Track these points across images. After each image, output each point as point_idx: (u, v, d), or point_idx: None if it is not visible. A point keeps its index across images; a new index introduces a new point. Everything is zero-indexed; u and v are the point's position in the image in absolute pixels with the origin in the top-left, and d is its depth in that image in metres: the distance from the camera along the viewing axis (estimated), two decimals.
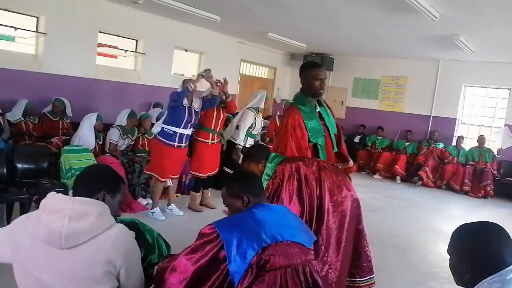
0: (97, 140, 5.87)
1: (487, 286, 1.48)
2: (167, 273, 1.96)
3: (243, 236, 1.90)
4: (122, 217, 2.91)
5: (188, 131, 5.34)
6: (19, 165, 4.87)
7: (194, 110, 5.33)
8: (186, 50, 9.31)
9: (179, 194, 6.23)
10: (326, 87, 3.37)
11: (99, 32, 7.46)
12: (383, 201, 7.70)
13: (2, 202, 4.43)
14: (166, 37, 8.54)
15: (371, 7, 5.91)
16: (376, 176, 10.05)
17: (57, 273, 1.73)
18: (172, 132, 5.20)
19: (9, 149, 5.04)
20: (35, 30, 6.68)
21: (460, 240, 1.61)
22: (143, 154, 6.38)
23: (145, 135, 6.51)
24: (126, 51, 8.09)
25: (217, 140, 5.83)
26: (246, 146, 6.17)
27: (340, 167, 3.16)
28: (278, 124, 6.42)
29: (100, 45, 7.61)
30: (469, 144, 10.02)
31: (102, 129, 6.06)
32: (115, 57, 8.26)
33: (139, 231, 2.39)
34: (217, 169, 5.92)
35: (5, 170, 4.61)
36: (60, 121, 6.49)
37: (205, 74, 5.38)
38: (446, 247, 1.68)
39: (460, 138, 9.84)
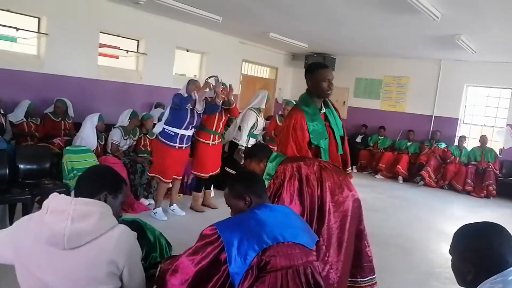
0: (99, 141, 5.88)
1: (489, 287, 1.48)
2: (168, 274, 1.96)
3: (244, 237, 1.90)
4: (124, 216, 2.92)
5: (190, 132, 5.35)
6: (21, 166, 4.87)
7: (197, 112, 5.34)
8: (187, 50, 9.32)
9: (181, 195, 6.23)
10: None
11: (101, 32, 7.47)
12: (385, 201, 7.69)
13: (5, 203, 4.44)
14: (167, 38, 8.54)
15: (372, 7, 5.91)
16: (378, 176, 10.04)
17: (60, 274, 1.73)
18: (173, 133, 5.21)
19: (11, 149, 5.04)
20: (36, 30, 6.70)
21: (462, 240, 1.61)
22: (145, 155, 6.39)
23: (147, 135, 6.52)
24: (127, 51, 8.10)
25: (218, 141, 5.84)
26: (248, 146, 6.17)
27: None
28: (279, 123, 6.45)
29: (101, 45, 7.62)
30: (471, 144, 10.00)
31: (104, 130, 6.07)
32: (117, 57, 8.27)
33: (141, 230, 2.40)
34: (219, 169, 5.92)
35: (7, 171, 4.61)
36: (62, 121, 6.51)
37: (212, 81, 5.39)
38: (448, 247, 1.68)
39: (462, 138, 9.82)
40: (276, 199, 2.74)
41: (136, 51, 8.31)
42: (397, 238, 5.53)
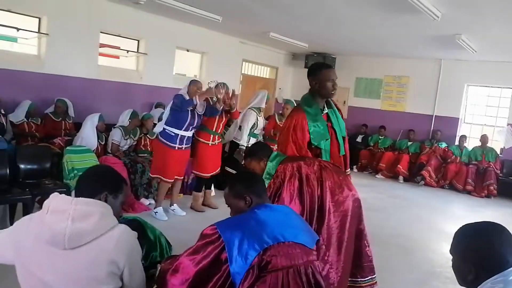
0: (100, 141, 5.88)
1: (490, 287, 1.48)
2: (169, 274, 1.96)
3: (244, 237, 1.90)
4: (125, 215, 2.92)
5: (190, 133, 5.35)
6: (22, 166, 4.87)
7: (197, 113, 5.33)
8: (188, 50, 9.32)
9: (181, 195, 6.23)
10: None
11: (101, 32, 7.48)
12: (385, 201, 7.69)
13: (5, 203, 4.44)
14: (167, 37, 8.55)
15: (372, 7, 5.90)
16: (379, 175, 10.04)
17: (60, 274, 1.73)
18: (173, 134, 5.21)
19: (11, 149, 5.04)
20: (37, 30, 6.70)
21: (463, 240, 1.60)
22: (145, 155, 6.39)
23: (147, 135, 6.52)
24: (128, 51, 8.11)
25: (218, 141, 5.83)
26: (249, 146, 6.17)
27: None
28: (278, 122, 6.45)
29: (102, 45, 7.63)
30: (472, 143, 10.00)
31: (104, 130, 6.08)
32: (117, 57, 8.28)
33: (142, 229, 2.40)
34: (219, 169, 5.91)
35: (8, 171, 4.61)
36: (63, 121, 6.51)
37: (215, 88, 5.42)
38: (449, 247, 1.67)
39: (463, 138, 9.81)
40: (276, 199, 2.74)
41: (136, 51, 8.31)
42: (398, 238, 5.53)
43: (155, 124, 6.07)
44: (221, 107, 5.48)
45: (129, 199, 5.48)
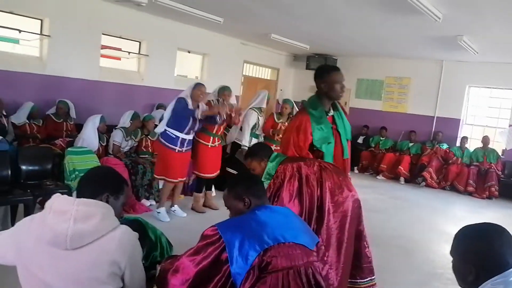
0: (101, 142, 5.90)
1: None
2: (169, 274, 1.96)
3: (245, 238, 1.90)
4: (126, 216, 2.93)
5: (190, 136, 5.36)
6: (23, 167, 4.89)
7: (198, 118, 5.34)
8: (189, 52, 9.33)
9: (182, 196, 6.23)
10: None
11: (103, 34, 7.49)
12: (386, 202, 7.68)
13: (7, 204, 4.45)
14: (169, 39, 8.56)
15: (373, 8, 5.91)
16: (380, 177, 10.03)
17: (61, 275, 1.74)
18: (174, 136, 5.22)
19: (13, 151, 5.06)
20: (39, 32, 6.72)
21: (463, 242, 1.60)
22: (147, 156, 6.40)
23: (149, 136, 6.53)
24: (129, 53, 8.12)
25: (218, 142, 5.84)
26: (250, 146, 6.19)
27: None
28: (276, 121, 6.45)
29: (103, 47, 7.65)
30: (473, 144, 9.98)
31: (105, 131, 6.09)
32: (119, 59, 8.29)
33: (143, 229, 2.41)
34: (219, 170, 5.91)
35: (9, 172, 4.62)
36: (64, 123, 6.52)
37: (223, 117, 5.49)
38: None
39: (464, 139, 9.81)
40: (276, 199, 2.74)
41: (137, 52, 8.32)
42: (399, 239, 5.53)
43: (156, 125, 6.08)
44: (222, 118, 5.53)
45: (130, 200, 5.49)
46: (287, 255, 1.94)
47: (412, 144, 10.35)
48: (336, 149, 3.18)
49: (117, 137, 6.09)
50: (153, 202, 5.95)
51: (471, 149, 9.72)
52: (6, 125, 5.77)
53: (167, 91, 8.50)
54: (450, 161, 9.61)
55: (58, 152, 5.66)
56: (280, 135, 6.26)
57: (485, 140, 9.50)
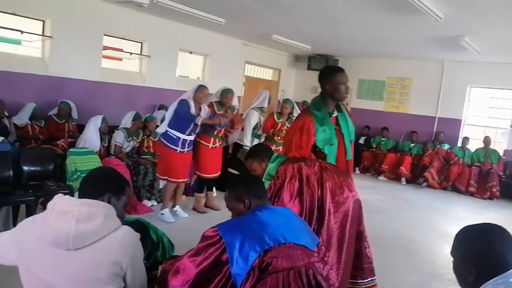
0: (102, 142, 5.91)
1: None
2: (170, 275, 1.97)
3: (245, 239, 1.90)
4: (127, 217, 2.94)
5: (191, 137, 5.36)
6: (25, 168, 4.90)
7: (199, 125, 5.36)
8: (190, 53, 9.35)
9: (184, 196, 6.23)
10: None
11: (105, 35, 7.51)
12: (388, 203, 7.68)
13: (9, 205, 4.46)
14: (170, 40, 8.57)
15: (374, 8, 5.91)
16: (381, 177, 10.03)
17: (63, 275, 1.75)
18: (175, 137, 5.23)
19: (15, 151, 5.07)
20: (41, 33, 6.73)
21: (464, 242, 1.61)
22: (148, 156, 6.40)
23: (150, 137, 6.54)
24: (131, 53, 8.13)
25: (219, 143, 5.85)
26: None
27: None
28: (276, 120, 6.46)
29: (105, 47, 7.66)
30: (474, 145, 9.96)
31: (107, 132, 6.10)
32: (120, 59, 8.31)
33: (145, 229, 2.41)
34: (220, 171, 5.90)
35: (11, 173, 4.63)
36: (66, 123, 6.53)
37: (223, 124, 5.56)
38: None
39: (466, 139, 9.80)
40: (276, 199, 2.74)
41: (139, 53, 8.34)
42: (400, 240, 5.53)
43: (157, 126, 6.09)
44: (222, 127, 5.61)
45: (132, 201, 5.50)
46: (287, 256, 1.94)
47: (413, 144, 10.35)
48: (339, 150, 3.17)
49: (118, 137, 6.09)
50: (155, 203, 5.96)
51: (473, 149, 9.70)
52: (8, 126, 5.79)
53: (168, 91, 8.51)
54: (452, 162, 9.61)
55: (60, 152, 5.67)
56: (279, 137, 6.27)
57: (487, 140, 9.49)
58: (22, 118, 6.12)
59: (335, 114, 3.20)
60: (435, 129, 10.48)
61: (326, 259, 2.67)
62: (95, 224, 1.75)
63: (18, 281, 1.84)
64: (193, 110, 5.22)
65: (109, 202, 1.88)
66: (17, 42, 6.79)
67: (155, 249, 2.41)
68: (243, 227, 1.98)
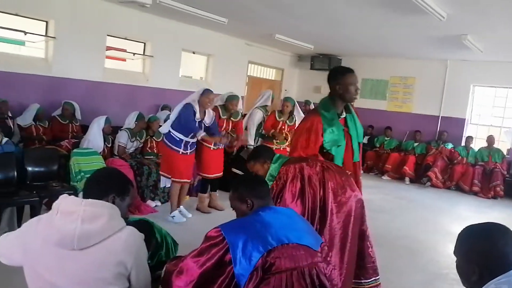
0: (106, 143, 5.92)
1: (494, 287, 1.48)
2: (173, 276, 1.97)
3: (248, 239, 1.91)
4: (131, 217, 2.95)
5: (194, 139, 5.37)
6: (29, 168, 4.92)
7: (205, 125, 5.36)
8: (193, 53, 9.36)
9: (187, 196, 6.24)
10: None
11: (108, 35, 7.53)
12: (391, 202, 7.67)
13: (13, 205, 4.48)
14: (173, 40, 8.58)
15: (376, 8, 5.90)
16: (385, 177, 10.01)
17: (68, 275, 1.75)
18: (178, 139, 5.23)
19: (19, 152, 5.09)
20: (44, 34, 6.76)
21: (466, 241, 1.60)
22: (152, 157, 6.41)
23: (154, 137, 6.55)
24: (134, 54, 8.14)
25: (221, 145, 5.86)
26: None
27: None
28: (278, 119, 6.47)
29: (108, 48, 7.68)
30: (478, 144, 9.94)
31: (110, 132, 6.11)
32: (124, 60, 8.32)
33: (150, 228, 2.43)
34: (222, 171, 5.91)
35: (15, 174, 4.66)
36: (70, 124, 6.55)
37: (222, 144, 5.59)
38: None
39: (469, 139, 9.77)
40: (279, 200, 2.74)
41: (142, 53, 8.35)
42: (404, 239, 5.52)
43: (161, 126, 6.10)
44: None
45: (136, 201, 5.51)
46: (290, 256, 1.94)
47: (417, 144, 10.32)
48: (347, 152, 3.16)
49: (122, 138, 6.11)
50: (159, 203, 5.97)
51: (476, 148, 9.68)
52: (12, 126, 5.81)
53: (172, 92, 8.53)
54: (455, 161, 9.58)
55: (63, 153, 5.68)
56: (278, 139, 6.25)
57: (490, 139, 9.45)
58: (26, 119, 6.14)
59: (344, 115, 3.19)
60: (438, 129, 10.45)
61: (329, 259, 2.67)
62: (100, 224, 1.77)
63: (23, 281, 1.85)
64: (198, 115, 5.22)
65: (113, 203, 1.90)
66: (21, 43, 6.81)
67: (159, 249, 2.43)
68: (246, 227, 1.99)
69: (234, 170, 6.30)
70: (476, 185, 9.01)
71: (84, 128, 6.29)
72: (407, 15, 6.04)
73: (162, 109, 8.00)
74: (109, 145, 6.08)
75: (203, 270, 1.91)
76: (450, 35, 7.14)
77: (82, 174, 5.12)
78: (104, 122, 5.84)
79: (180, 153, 5.26)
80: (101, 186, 1.93)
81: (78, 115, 6.71)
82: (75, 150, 5.45)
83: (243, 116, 6.71)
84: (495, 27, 6.41)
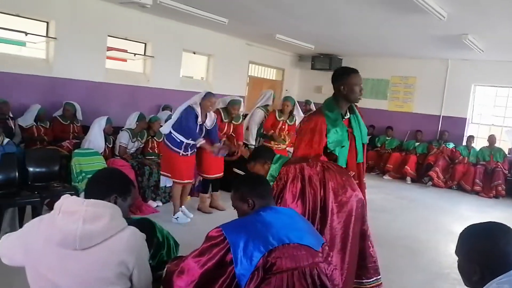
0: (107, 143, 5.92)
1: (495, 287, 1.47)
2: (174, 276, 1.98)
3: (250, 239, 1.91)
4: (133, 217, 2.95)
5: (195, 142, 5.36)
6: (31, 169, 4.93)
7: (206, 128, 5.36)
8: (194, 53, 9.35)
9: (189, 197, 6.24)
10: None
11: (108, 36, 7.53)
12: (393, 202, 7.66)
13: (14, 206, 4.49)
14: (174, 40, 8.59)
15: (376, 7, 5.90)
16: (386, 176, 10.00)
17: (70, 275, 1.76)
18: (179, 141, 5.23)
19: (20, 153, 5.10)
20: (45, 35, 6.76)
21: (468, 241, 1.60)
22: (153, 157, 6.42)
23: (155, 137, 6.55)
24: (135, 54, 8.15)
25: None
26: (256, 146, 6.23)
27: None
28: (278, 119, 6.47)
29: (109, 48, 7.68)
30: (479, 143, 9.92)
31: (112, 132, 6.12)
32: (124, 60, 8.32)
33: (152, 227, 2.43)
34: (223, 172, 5.91)
35: (17, 174, 4.67)
36: (71, 124, 6.56)
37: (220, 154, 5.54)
38: None
39: (471, 138, 9.76)
40: (279, 200, 2.74)
41: (143, 54, 8.35)
42: (405, 239, 5.51)
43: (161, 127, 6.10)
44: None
45: (137, 202, 5.51)
46: (291, 256, 1.94)
47: (418, 143, 10.31)
48: (351, 152, 3.15)
49: (123, 138, 6.11)
50: (160, 203, 5.97)
51: (478, 148, 9.66)
52: (13, 127, 5.81)
53: (173, 92, 8.53)
54: (457, 161, 9.57)
55: (65, 154, 5.69)
56: (276, 141, 6.26)
57: (492, 139, 9.44)
58: (27, 120, 6.14)
59: (348, 115, 3.18)
60: (439, 128, 10.44)
61: (330, 259, 2.67)
62: (102, 224, 1.77)
63: (24, 281, 1.85)
64: (199, 119, 5.23)
65: (115, 203, 1.90)
66: (22, 43, 6.81)
67: (161, 248, 2.43)
68: (247, 227, 1.99)
69: (236, 170, 6.29)
70: (477, 185, 8.99)
71: (85, 129, 6.29)
72: (408, 14, 6.04)
73: (163, 109, 8.00)
74: (110, 146, 6.08)
75: (204, 270, 1.92)
76: (451, 34, 7.13)
77: (83, 174, 5.12)
78: (105, 123, 5.84)
79: (181, 154, 5.25)
80: (102, 186, 1.94)
81: (79, 115, 6.72)
82: (76, 151, 5.45)
83: (244, 116, 6.71)
84: (495, 27, 6.40)
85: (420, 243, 5.45)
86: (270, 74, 12.03)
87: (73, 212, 1.77)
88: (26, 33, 6.45)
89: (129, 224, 1.90)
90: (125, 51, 8.08)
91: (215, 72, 9.74)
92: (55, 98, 6.72)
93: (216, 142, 5.53)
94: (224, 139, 5.82)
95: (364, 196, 3.16)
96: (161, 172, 5.57)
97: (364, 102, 11.40)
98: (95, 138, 5.67)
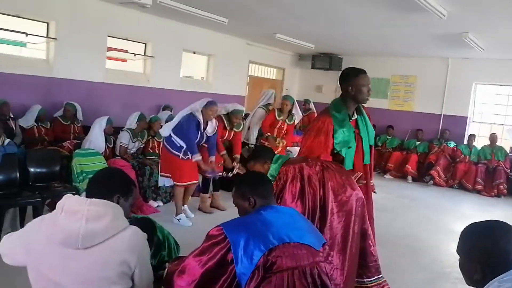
0: (108, 144, 5.92)
1: (497, 286, 1.46)
2: (175, 275, 1.98)
3: (250, 238, 1.91)
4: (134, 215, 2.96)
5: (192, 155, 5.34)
6: (32, 169, 4.93)
7: (207, 135, 5.36)
8: (194, 53, 9.35)
9: (190, 197, 6.25)
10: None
11: (108, 36, 7.53)
12: (394, 201, 7.65)
13: (15, 206, 4.49)
14: (174, 40, 8.59)
15: (378, 6, 5.89)
16: (387, 176, 9.99)
17: (72, 274, 1.76)
18: (178, 145, 5.22)
19: (21, 153, 5.10)
20: (45, 35, 6.76)
21: (469, 240, 1.60)
22: (153, 157, 6.42)
23: (155, 137, 6.55)
24: (135, 54, 8.15)
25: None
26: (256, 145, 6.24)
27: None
28: (277, 118, 6.45)
29: (109, 49, 7.68)
30: (481, 142, 9.91)
31: (112, 133, 6.12)
32: (125, 60, 8.33)
33: (153, 227, 2.43)
34: (223, 171, 5.92)
35: (17, 174, 4.67)
36: (72, 125, 6.57)
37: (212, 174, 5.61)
38: None
39: (472, 137, 9.74)
40: (279, 200, 2.74)
41: (143, 54, 8.35)
42: (406, 238, 5.51)
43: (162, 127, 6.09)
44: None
45: (138, 202, 5.51)
46: (292, 255, 1.94)
47: (419, 142, 10.30)
48: (357, 154, 3.15)
49: (124, 138, 6.11)
50: (161, 203, 5.97)
51: (479, 147, 9.64)
52: (14, 128, 5.81)
53: (173, 92, 8.53)
54: (458, 159, 9.56)
55: (65, 154, 5.69)
56: (270, 143, 6.26)
57: (493, 137, 9.43)
58: (28, 120, 6.15)
59: (355, 116, 3.18)
60: (440, 127, 10.42)
61: (330, 258, 2.66)
62: (104, 223, 1.78)
63: (25, 281, 1.85)
64: (201, 126, 5.23)
65: (117, 203, 1.90)
66: (22, 44, 6.81)
67: (161, 248, 2.43)
68: (247, 226, 1.99)
69: (238, 170, 6.30)
70: (479, 184, 8.98)
71: (86, 129, 6.29)
72: (408, 13, 6.03)
73: (163, 110, 8.01)
74: (111, 146, 6.08)
75: (205, 269, 1.92)
76: (451, 33, 7.13)
77: (84, 174, 5.12)
78: (106, 123, 5.84)
79: (180, 157, 5.25)
80: (105, 186, 1.94)
81: (79, 116, 6.72)
82: (77, 151, 5.45)
83: (245, 117, 6.71)
84: (496, 25, 6.39)
85: (421, 242, 5.44)
86: (270, 73, 12.03)
87: (75, 211, 1.78)
88: (27, 34, 6.45)
89: (130, 223, 1.90)
90: (125, 51, 8.08)
91: (215, 72, 9.74)
92: (55, 99, 6.73)
93: (215, 148, 5.54)
94: (223, 152, 5.80)
95: (370, 197, 3.16)
96: (160, 173, 5.55)
97: None
98: (96, 139, 5.67)
